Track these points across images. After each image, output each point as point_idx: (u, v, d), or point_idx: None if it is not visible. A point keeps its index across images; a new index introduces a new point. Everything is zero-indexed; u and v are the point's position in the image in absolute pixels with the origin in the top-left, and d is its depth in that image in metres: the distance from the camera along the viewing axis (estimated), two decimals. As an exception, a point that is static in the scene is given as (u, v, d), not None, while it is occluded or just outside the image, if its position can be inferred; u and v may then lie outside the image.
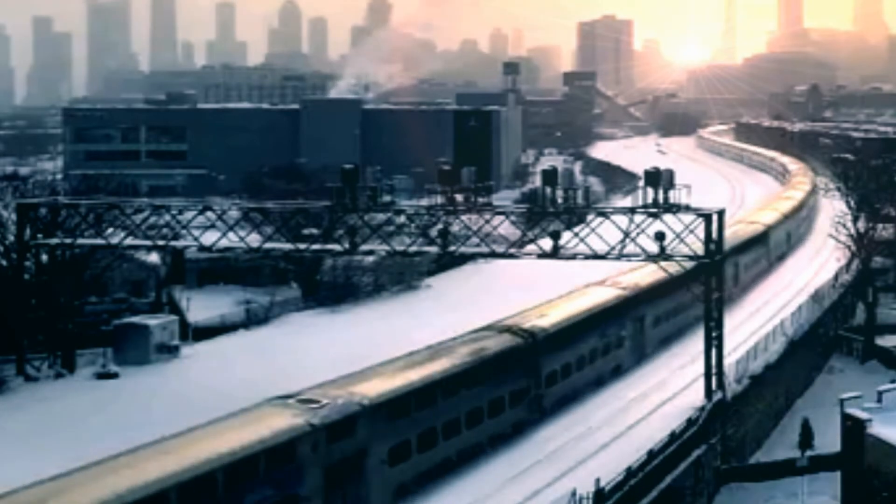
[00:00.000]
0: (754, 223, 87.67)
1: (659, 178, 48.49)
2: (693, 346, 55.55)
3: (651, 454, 42.02)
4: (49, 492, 28.96)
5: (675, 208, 48.05)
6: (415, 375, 41.06)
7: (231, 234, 51.82)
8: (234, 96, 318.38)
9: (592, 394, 51.04)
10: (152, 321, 56.35)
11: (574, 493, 36.30)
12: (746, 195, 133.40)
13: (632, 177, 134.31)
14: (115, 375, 52.46)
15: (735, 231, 76.88)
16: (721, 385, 49.99)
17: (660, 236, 47.94)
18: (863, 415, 42.49)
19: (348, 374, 40.47)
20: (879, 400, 43.52)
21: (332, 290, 72.18)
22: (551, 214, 50.89)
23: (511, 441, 44.23)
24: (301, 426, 34.99)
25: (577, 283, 59.30)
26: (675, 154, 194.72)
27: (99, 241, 53.68)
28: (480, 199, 50.17)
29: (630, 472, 39.96)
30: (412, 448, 39.40)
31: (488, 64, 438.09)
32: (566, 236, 50.47)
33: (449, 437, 41.27)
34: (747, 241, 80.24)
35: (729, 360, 52.31)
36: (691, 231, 48.17)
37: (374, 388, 38.79)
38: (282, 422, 35.03)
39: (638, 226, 47.81)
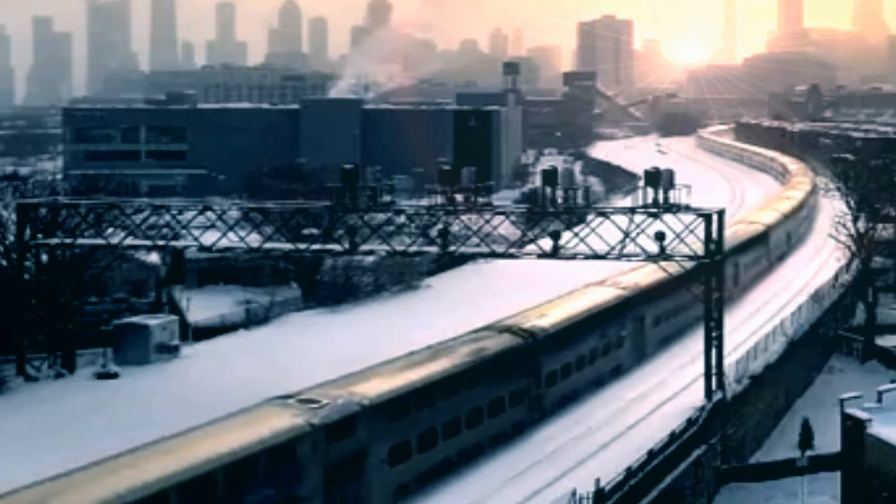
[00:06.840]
0: (754, 223, 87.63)
1: (659, 178, 48.48)
2: (693, 346, 55.54)
3: (651, 454, 42.04)
4: (49, 492, 28.96)
5: (675, 208, 48.04)
6: (415, 375, 41.04)
7: (231, 234, 51.79)
8: (234, 96, 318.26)
9: (592, 394, 51.03)
10: (152, 321, 56.34)
11: (574, 493, 36.33)
12: (746, 195, 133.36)
13: (632, 177, 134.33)
14: (115, 375, 52.46)
15: (735, 231, 76.86)
16: (721, 385, 49.99)
17: (660, 236, 47.94)
18: (863, 415, 42.49)
19: (348, 374, 40.45)
20: (879, 400, 43.53)
21: (332, 290, 72.13)
22: (551, 214, 50.86)
23: (511, 441, 44.21)
24: (301, 426, 34.99)
25: (577, 283, 59.28)
26: (675, 154, 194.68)
27: (99, 241, 53.65)
28: (480, 199, 50.13)
29: (630, 472, 39.98)
30: (412, 448, 39.38)
31: (488, 64, 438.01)
32: (566, 236, 50.45)
33: (449, 437, 41.26)
34: (747, 241, 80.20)
35: (729, 360, 52.31)
36: (691, 231, 48.16)
37: (374, 388, 38.79)
38: (282, 422, 35.02)
39: (638, 226, 47.79)
